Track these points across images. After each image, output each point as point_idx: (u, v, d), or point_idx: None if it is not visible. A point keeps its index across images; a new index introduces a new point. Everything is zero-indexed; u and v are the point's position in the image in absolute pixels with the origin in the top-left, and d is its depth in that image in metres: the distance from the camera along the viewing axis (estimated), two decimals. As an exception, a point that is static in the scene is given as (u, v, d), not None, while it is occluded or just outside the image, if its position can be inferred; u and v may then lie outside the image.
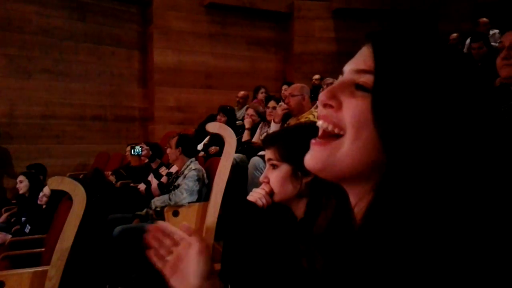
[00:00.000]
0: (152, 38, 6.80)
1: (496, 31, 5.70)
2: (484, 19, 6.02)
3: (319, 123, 0.54)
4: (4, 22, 5.78)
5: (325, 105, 0.53)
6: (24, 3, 5.91)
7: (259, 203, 1.23)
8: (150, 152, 4.29)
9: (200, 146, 4.66)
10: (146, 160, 4.47)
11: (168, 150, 3.46)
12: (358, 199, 0.53)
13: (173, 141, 3.39)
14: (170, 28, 6.89)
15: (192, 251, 0.77)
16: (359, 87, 0.50)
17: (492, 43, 4.92)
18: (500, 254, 0.40)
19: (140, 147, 4.55)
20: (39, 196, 3.61)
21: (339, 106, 0.52)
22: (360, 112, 0.49)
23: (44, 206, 3.56)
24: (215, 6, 7.11)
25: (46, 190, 3.56)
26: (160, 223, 0.86)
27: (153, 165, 4.21)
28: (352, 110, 0.50)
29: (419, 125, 0.45)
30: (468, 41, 5.25)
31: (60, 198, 2.96)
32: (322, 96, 0.53)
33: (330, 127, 0.52)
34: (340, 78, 0.55)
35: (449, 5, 7.38)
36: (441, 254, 0.41)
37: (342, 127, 0.51)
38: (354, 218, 0.54)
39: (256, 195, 1.24)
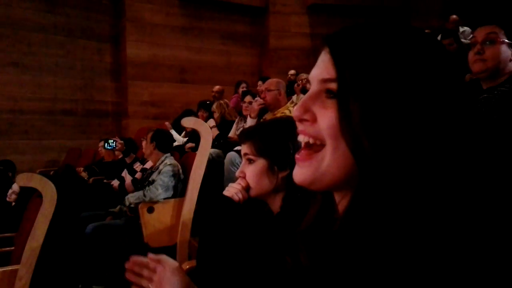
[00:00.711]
0: (125, 31, 6.67)
1: (466, 28, 5.86)
2: (454, 16, 6.17)
3: (300, 137, 0.55)
4: (-33, 13, 5.55)
5: (300, 120, 0.54)
6: (-11, -7, 5.69)
7: (235, 198, 1.23)
8: (124, 147, 4.21)
9: (182, 141, 4.65)
10: (120, 155, 4.38)
11: (143, 143, 3.41)
12: (341, 197, 0.54)
13: (149, 135, 3.34)
14: (143, 21, 6.77)
15: (167, 273, 0.84)
16: (329, 94, 0.51)
17: (462, 40, 5.05)
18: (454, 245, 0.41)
19: (114, 140, 4.46)
20: (8, 193, 3.50)
21: (314, 119, 0.52)
22: (333, 121, 0.49)
23: (13, 204, 3.45)
24: (190, -1, 7.03)
25: (15, 187, 3.45)
26: (133, 258, 0.91)
27: (127, 160, 4.15)
28: (326, 121, 0.50)
29: (385, 128, 0.45)
30: (439, 37, 5.37)
31: (30, 195, 2.87)
32: (295, 111, 0.54)
33: (311, 140, 0.53)
34: (310, 89, 0.55)
35: (420, 1, 7.54)
36: (411, 248, 0.42)
37: (321, 138, 0.51)
38: (338, 215, 0.55)
39: (232, 190, 1.24)
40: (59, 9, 6.29)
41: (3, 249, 2.81)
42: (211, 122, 4.33)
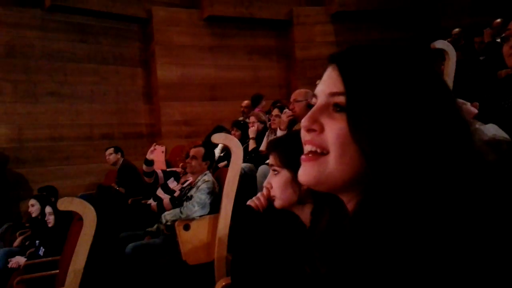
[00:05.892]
0: (154, 54, 6.87)
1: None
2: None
3: (306, 147, 0.58)
4: (8, 49, 5.89)
5: (308, 130, 0.57)
6: (26, 29, 6.01)
7: (253, 205, 1.25)
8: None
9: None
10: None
11: (194, 162, 3.32)
12: (348, 201, 0.58)
13: (199, 153, 3.33)
14: (171, 43, 6.95)
15: None
16: (336, 108, 0.55)
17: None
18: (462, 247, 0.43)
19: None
20: (45, 218, 3.64)
21: (322, 129, 0.56)
22: (341, 132, 0.53)
23: (52, 224, 3.58)
24: (215, 18, 7.16)
25: (48, 209, 3.61)
26: None
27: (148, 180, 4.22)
28: (334, 132, 0.54)
29: (393, 134, 0.49)
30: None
31: (71, 219, 2.97)
32: (304, 122, 0.57)
33: (317, 150, 0.56)
34: (317, 102, 0.59)
35: (449, 0, 7.34)
36: (421, 249, 0.43)
37: (326, 147, 0.55)
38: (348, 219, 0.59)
39: (254, 199, 1.26)
40: (92, 38, 6.57)
41: (49, 272, 2.92)
42: (252, 132, 4.19)
